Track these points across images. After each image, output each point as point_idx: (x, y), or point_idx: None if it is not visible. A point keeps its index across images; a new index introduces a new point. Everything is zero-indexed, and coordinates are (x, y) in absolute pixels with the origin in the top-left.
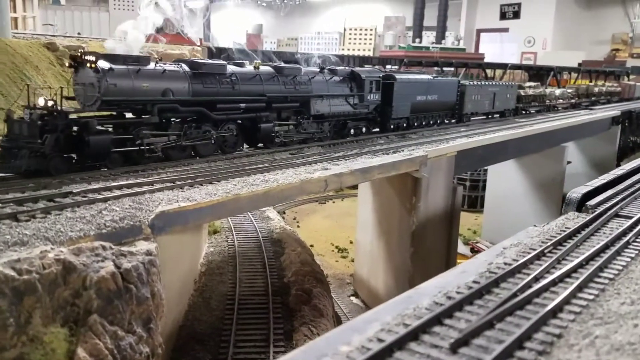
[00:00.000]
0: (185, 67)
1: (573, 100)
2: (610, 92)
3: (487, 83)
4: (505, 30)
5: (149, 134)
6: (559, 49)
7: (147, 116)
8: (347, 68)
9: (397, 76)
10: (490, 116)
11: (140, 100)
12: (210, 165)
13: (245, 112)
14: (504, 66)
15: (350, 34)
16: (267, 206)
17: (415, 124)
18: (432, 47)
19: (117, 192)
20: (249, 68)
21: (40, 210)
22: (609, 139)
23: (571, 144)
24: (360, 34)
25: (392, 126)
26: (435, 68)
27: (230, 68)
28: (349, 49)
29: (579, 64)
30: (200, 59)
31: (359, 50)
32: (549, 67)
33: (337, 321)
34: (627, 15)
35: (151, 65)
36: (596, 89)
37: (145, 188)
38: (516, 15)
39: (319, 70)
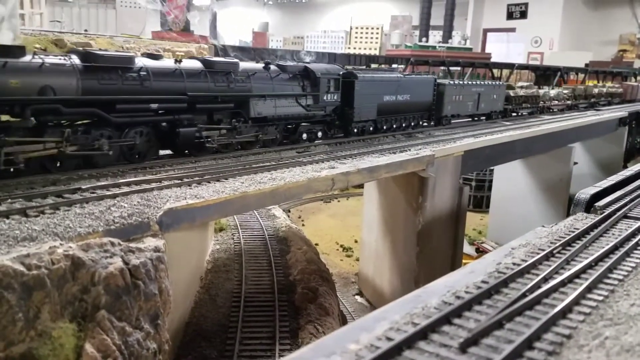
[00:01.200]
0: (76, 60)
1: (569, 102)
2: (611, 94)
3: (470, 82)
4: (512, 30)
5: (12, 141)
6: (565, 50)
7: (19, 119)
8: (299, 64)
9: (360, 74)
10: (477, 118)
11: (6, 100)
12: (217, 163)
13: (160, 114)
14: (511, 66)
15: (356, 32)
16: (274, 204)
17: (385, 127)
18: (439, 47)
19: (125, 189)
20: (167, 62)
21: (49, 206)
22: (616, 140)
23: (578, 144)
24: (367, 33)
25: (355, 130)
26: (442, 67)
27: (140, 61)
28: (355, 48)
29: (586, 65)
30: (99, 51)
31: (365, 49)
32: (556, 68)
33: (342, 320)
34: (634, 16)
35: (26, 58)
36: (595, 90)
37: (153, 185)
38: (523, 15)
39: (263, 65)
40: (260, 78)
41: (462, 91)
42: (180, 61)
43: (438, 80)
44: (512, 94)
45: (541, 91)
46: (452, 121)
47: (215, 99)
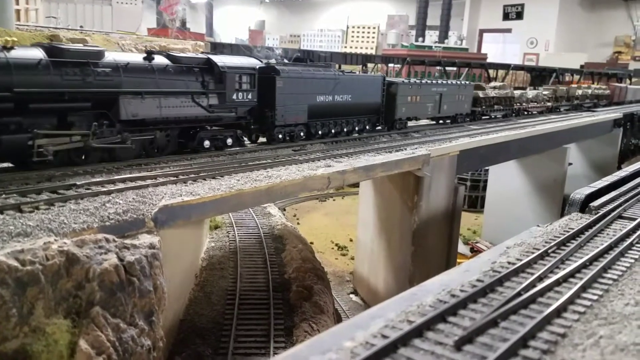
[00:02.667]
0: None
1: (549, 104)
2: (598, 95)
3: (429, 82)
4: (508, 30)
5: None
6: (561, 51)
7: None
8: (200, 55)
9: (283, 69)
10: (442, 121)
11: None
12: (213, 161)
13: None
14: (506, 67)
15: (353, 31)
16: (269, 202)
17: (320, 132)
18: (435, 47)
19: (120, 185)
20: None
21: (43, 202)
22: (611, 141)
23: (573, 146)
24: (363, 32)
25: (280, 135)
26: (438, 67)
27: None
28: (351, 47)
29: (581, 66)
30: None
31: (361, 48)
32: (552, 69)
33: (337, 318)
34: (630, 18)
35: None
36: (579, 92)
37: (148, 182)
38: (519, 16)
39: (144, 56)
40: (137, 71)
41: (420, 91)
42: (9, 48)
43: (389, 79)
44: (481, 95)
45: (517, 92)
46: (409, 125)
47: (61, 97)
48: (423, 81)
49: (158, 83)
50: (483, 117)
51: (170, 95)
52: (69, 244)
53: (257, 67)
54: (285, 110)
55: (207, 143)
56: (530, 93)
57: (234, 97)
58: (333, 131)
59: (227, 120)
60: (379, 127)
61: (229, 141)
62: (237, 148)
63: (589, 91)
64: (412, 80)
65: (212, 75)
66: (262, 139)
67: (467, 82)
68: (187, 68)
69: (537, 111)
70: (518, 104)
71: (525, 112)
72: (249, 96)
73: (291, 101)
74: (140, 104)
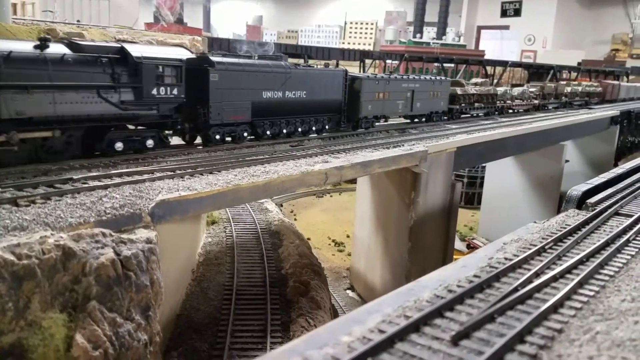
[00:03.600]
0: None
1: (536, 101)
2: (589, 93)
3: (399, 77)
4: (506, 27)
5: None
6: (559, 48)
7: None
8: (111, 44)
9: (218, 60)
10: (419, 119)
11: None
12: (210, 156)
13: None
14: (504, 64)
15: (351, 27)
16: (267, 197)
17: (268, 133)
18: (433, 43)
19: (117, 180)
20: None
21: (40, 196)
22: (607, 138)
23: (569, 142)
24: (361, 28)
25: (217, 136)
26: (436, 64)
27: None
28: (349, 43)
29: (579, 63)
30: None
31: (359, 44)
32: (549, 66)
33: (334, 314)
34: (627, 15)
35: None
36: (568, 89)
37: (145, 176)
38: (517, 13)
39: (36, 44)
40: (23, 62)
41: (388, 87)
42: None
43: (352, 74)
44: (459, 92)
45: (500, 89)
46: (378, 124)
47: None
48: (392, 76)
49: (52, 75)
50: (463, 116)
51: (67, 89)
52: (66, 238)
53: (185, 58)
54: (221, 108)
55: (119, 145)
56: (515, 90)
57: (154, 92)
58: (285, 131)
59: (147, 119)
60: (344, 127)
61: (149, 143)
62: (161, 150)
63: (579, 88)
64: (379, 75)
65: (126, 66)
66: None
67: (443, 78)
68: (92, 58)
69: (523, 109)
70: (502, 102)
71: (510, 110)
72: (174, 91)
73: (230, 97)
74: (27, 100)
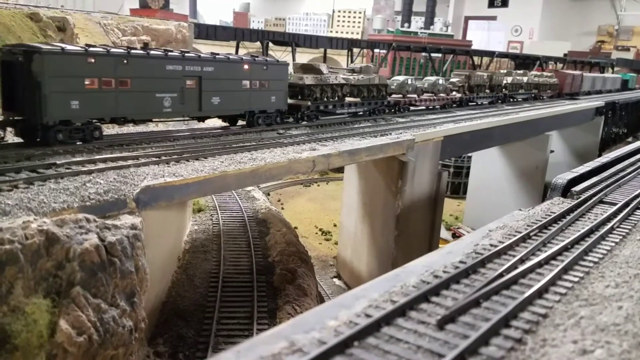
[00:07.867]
0: None
1: (458, 95)
2: (538, 85)
3: (160, 55)
4: (493, 18)
5: None
6: (545, 39)
7: None
8: None
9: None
10: (230, 125)
11: None
12: (196, 142)
13: None
14: (491, 54)
15: (339, 16)
16: (254, 184)
17: None
18: (421, 33)
19: (101, 165)
20: None
21: (22, 181)
22: (592, 129)
23: (554, 133)
24: (349, 17)
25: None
26: (423, 54)
27: None
28: (337, 31)
29: (565, 55)
30: None
31: (347, 33)
32: (535, 57)
33: (320, 301)
34: (613, 7)
35: None
36: (508, 79)
37: (130, 162)
38: (504, 3)
39: None
40: None
41: (128, 70)
42: None
43: (36, 44)
44: (310, 82)
45: (400, 78)
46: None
47: None
48: (135, 52)
49: None
50: (325, 115)
51: None
52: (49, 224)
53: None
54: None
55: None
56: (426, 80)
57: None
58: None
59: None
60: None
61: None
62: None
63: (524, 79)
64: (95, 49)
65: None
66: None
67: (275, 61)
68: None
69: (435, 105)
70: (397, 96)
71: (409, 108)
72: None
73: None
74: None
